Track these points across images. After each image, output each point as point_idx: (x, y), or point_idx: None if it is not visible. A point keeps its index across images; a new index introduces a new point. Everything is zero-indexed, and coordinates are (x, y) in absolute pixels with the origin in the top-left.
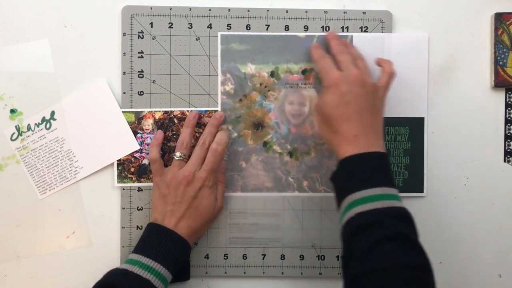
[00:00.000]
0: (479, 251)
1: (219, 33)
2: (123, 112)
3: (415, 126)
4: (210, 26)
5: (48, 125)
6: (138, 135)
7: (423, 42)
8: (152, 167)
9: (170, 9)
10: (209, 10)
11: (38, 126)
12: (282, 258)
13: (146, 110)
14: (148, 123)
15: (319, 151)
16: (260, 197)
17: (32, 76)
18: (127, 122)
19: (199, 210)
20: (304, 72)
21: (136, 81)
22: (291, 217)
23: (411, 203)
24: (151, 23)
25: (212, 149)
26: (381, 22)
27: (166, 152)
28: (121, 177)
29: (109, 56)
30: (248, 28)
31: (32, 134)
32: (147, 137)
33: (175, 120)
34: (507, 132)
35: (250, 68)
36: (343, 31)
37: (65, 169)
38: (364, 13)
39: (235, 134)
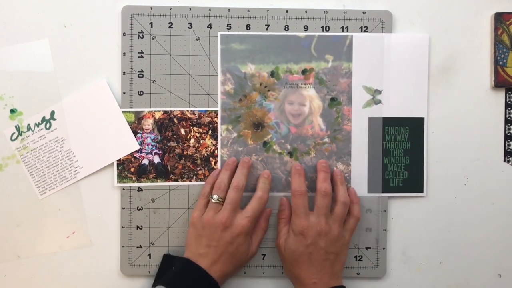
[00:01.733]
0: (479, 251)
1: (219, 33)
2: (123, 112)
3: (415, 126)
4: (210, 26)
5: (48, 125)
6: (138, 135)
7: (423, 42)
8: (198, 201)
9: (170, 9)
10: (209, 10)
11: (38, 126)
12: None
13: (146, 110)
14: (148, 123)
15: (319, 151)
16: None
17: (32, 76)
18: (127, 122)
19: (234, 256)
20: (304, 72)
21: (136, 81)
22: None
23: (411, 203)
24: (151, 23)
25: (257, 197)
26: (381, 22)
27: (166, 152)
28: (121, 177)
29: (109, 56)
30: (248, 28)
31: (32, 134)
32: (147, 137)
33: (175, 120)
34: (507, 132)
35: (250, 68)
36: (343, 31)
37: (65, 169)
38: (364, 13)
39: (235, 134)
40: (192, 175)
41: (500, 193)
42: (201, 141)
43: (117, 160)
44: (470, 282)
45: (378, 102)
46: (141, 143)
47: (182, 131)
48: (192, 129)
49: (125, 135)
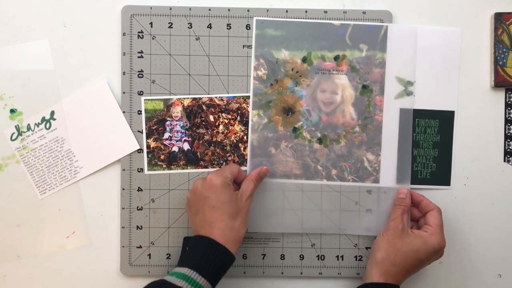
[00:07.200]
0: (479, 251)
1: (255, 18)
2: (151, 100)
3: (445, 119)
4: (210, 26)
5: (48, 125)
6: (167, 122)
7: (455, 36)
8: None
9: (170, 9)
10: (209, 10)
11: (38, 126)
12: (282, 258)
13: (175, 97)
14: (177, 110)
15: (349, 140)
16: (260, 198)
17: (32, 76)
18: (156, 110)
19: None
20: (336, 58)
21: (136, 81)
22: (291, 217)
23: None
24: (151, 23)
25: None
26: (381, 22)
27: (195, 139)
28: (151, 165)
29: (109, 56)
30: (248, 28)
31: (32, 134)
32: (176, 124)
33: (204, 107)
34: (507, 132)
35: (284, 54)
36: None
37: (65, 169)
38: (364, 13)
39: (266, 120)
40: (221, 161)
41: (500, 193)
42: (230, 127)
43: (147, 148)
44: (470, 282)
45: (410, 93)
46: (170, 130)
47: (211, 118)
48: (220, 116)
49: (125, 135)
